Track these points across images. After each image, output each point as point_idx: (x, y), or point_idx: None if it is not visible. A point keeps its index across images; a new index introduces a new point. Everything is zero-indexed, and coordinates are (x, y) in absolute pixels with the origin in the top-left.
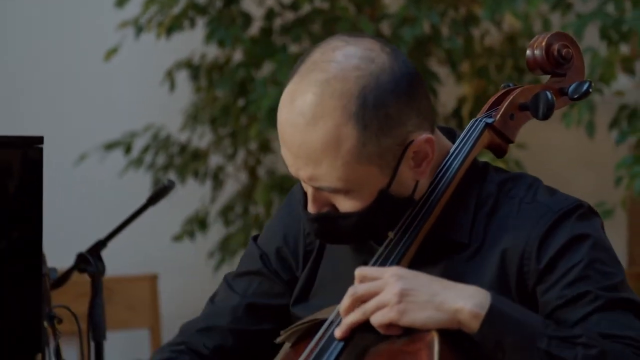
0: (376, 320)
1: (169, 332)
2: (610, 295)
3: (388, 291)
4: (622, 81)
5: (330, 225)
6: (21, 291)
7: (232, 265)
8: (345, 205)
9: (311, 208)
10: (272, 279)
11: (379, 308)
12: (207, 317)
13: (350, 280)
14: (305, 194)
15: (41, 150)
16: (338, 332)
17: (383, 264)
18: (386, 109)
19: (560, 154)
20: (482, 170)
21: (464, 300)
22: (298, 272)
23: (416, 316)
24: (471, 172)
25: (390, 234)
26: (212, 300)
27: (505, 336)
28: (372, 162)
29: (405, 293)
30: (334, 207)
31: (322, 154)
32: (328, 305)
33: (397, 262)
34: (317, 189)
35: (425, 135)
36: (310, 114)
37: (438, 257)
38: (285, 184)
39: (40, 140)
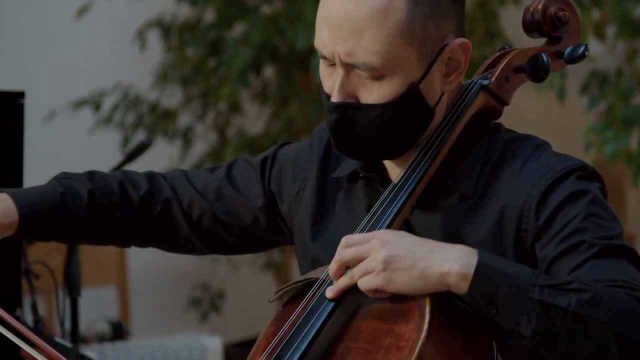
0: (363, 285)
1: (136, 289)
2: (605, 243)
3: (373, 257)
4: (593, 47)
5: (351, 115)
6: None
7: None
8: (373, 94)
9: (336, 96)
10: (260, 179)
11: (365, 274)
12: (192, 174)
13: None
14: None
15: (22, 105)
16: (329, 293)
17: (387, 208)
18: None
19: (530, 119)
20: (493, 128)
21: (450, 264)
22: (289, 190)
23: (402, 284)
24: (469, 131)
25: (394, 180)
26: (212, 168)
27: (495, 292)
28: (414, 45)
29: (390, 260)
30: (358, 101)
31: (368, 23)
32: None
33: (400, 209)
34: (348, 72)
35: (462, 39)
36: None
37: (438, 205)
38: (255, 145)
39: (21, 95)
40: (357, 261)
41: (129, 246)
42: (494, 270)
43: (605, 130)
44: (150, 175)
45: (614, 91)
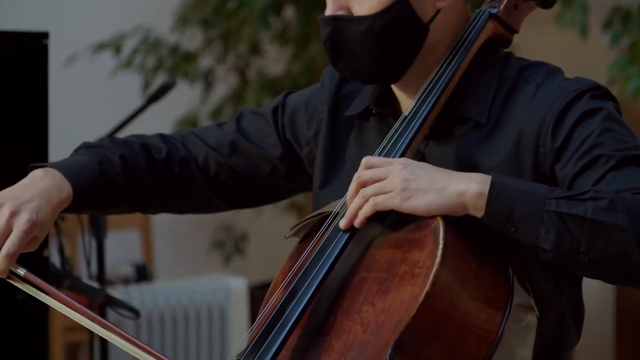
0: (375, 203)
1: (160, 232)
2: (623, 154)
3: (392, 177)
4: None
5: (342, 28)
6: None
7: None
8: (363, 5)
9: (329, 8)
10: (274, 129)
11: (381, 193)
12: (200, 131)
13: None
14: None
15: (47, 46)
16: (342, 222)
17: (399, 139)
18: None
19: (552, 56)
20: (505, 56)
21: (466, 184)
22: (305, 134)
23: (418, 201)
24: (480, 59)
25: (405, 112)
26: (219, 124)
27: (512, 209)
28: None
29: (410, 179)
30: (350, 13)
31: None
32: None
33: (412, 139)
34: None
35: None
36: None
37: (453, 134)
38: (275, 86)
39: (46, 35)
40: (375, 181)
41: (147, 212)
42: (509, 187)
43: (629, 66)
44: (163, 137)
45: (637, 27)
